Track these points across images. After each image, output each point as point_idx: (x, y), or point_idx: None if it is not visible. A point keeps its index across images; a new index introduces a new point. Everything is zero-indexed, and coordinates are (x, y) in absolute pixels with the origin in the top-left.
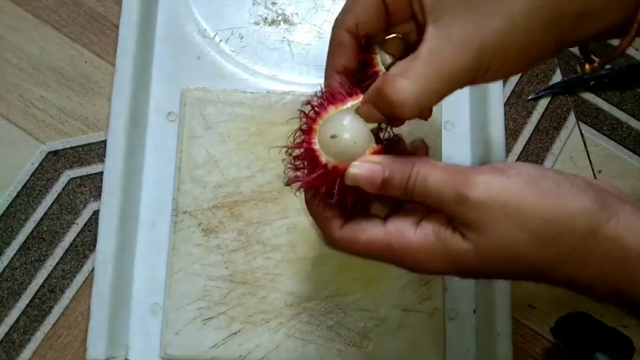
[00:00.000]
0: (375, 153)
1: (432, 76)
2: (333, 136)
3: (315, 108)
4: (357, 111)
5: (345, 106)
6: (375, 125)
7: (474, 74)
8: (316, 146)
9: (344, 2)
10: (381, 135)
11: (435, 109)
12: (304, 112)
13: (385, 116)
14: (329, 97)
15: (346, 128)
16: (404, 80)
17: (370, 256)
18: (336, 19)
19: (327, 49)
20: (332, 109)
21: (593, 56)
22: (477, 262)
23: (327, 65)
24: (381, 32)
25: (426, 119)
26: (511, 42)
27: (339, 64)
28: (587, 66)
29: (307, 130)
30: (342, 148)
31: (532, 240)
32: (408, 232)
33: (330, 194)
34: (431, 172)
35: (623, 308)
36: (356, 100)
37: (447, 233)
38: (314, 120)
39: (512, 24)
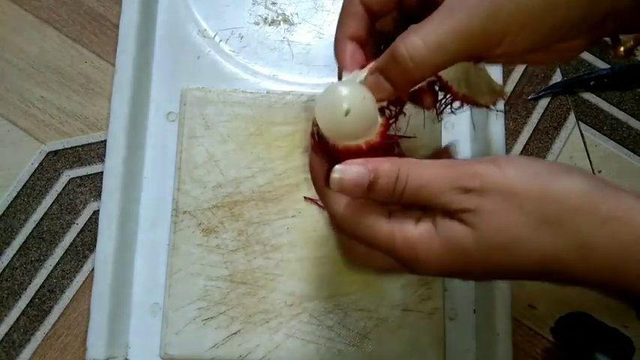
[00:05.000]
0: (383, 128)
1: (442, 32)
2: (332, 111)
3: None
4: (365, 82)
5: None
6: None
7: (488, 37)
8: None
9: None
10: (386, 114)
11: None
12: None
13: (395, 85)
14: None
15: (345, 99)
16: (414, 36)
17: (369, 240)
18: None
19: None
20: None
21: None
22: (476, 250)
23: (336, 34)
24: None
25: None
26: (530, 6)
27: (352, 32)
28: (620, 48)
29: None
30: (342, 124)
31: (532, 222)
32: (409, 225)
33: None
34: (422, 171)
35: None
36: (362, 72)
37: (446, 222)
38: None
39: None
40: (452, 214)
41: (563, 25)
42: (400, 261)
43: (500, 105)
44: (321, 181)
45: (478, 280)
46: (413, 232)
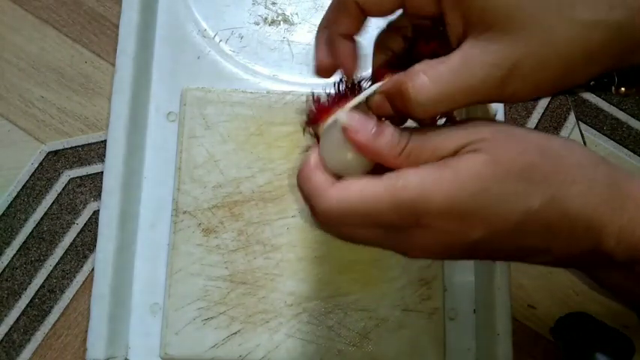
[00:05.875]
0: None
1: (455, 86)
2: (336, 166)
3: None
4: (370, 101)
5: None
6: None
7: (499, 94)
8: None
9: None
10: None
11: None
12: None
13: (395, 112)
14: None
15: (350, 161)
16: (426, 79)
17: (365, 209)
18: None
19: None
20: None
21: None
22: (491, 176)
23: (326, 26)
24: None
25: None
26: (547, 70)
27: (345, 29)
28: (622, 89)
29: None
30: (344, 166)
31: (539, 153)
32: (408, 170)
33: None
34: (429, 128)
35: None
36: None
37: (456, 157)
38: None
39: (554, 54)
40: (463, 148)
41: (578, 81)
42: (401, 208)
43: (501, 105)
44: (307, 169)
45: (484, 222)
46: (414, 172)
